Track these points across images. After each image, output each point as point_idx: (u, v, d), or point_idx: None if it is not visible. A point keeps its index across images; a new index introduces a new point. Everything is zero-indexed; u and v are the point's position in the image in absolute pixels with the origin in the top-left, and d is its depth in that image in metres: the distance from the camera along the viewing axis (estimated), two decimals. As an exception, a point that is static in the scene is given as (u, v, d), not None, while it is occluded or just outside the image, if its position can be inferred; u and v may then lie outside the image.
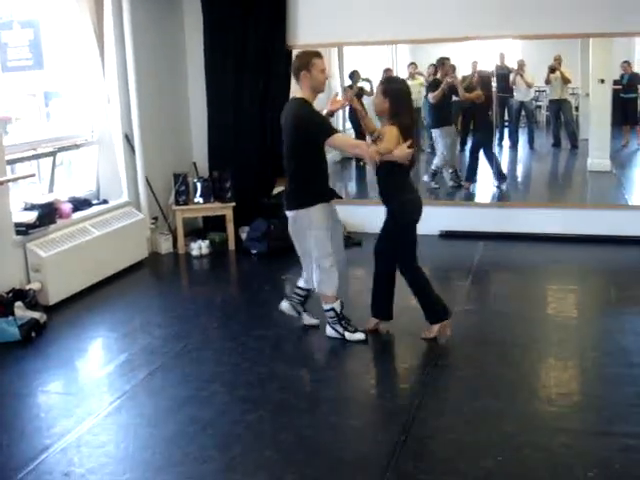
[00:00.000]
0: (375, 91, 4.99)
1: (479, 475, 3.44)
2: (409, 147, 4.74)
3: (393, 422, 3.99)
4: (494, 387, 4.37)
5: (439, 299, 5.09)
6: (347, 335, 5.08)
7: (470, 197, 9.39)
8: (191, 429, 3.94)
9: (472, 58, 10.69)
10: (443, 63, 9.45)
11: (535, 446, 3.68)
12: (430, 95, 9.38)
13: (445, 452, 3.67)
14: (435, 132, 9.79)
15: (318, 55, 4.86)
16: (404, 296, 5.27)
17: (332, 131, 4.80)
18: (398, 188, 4.96)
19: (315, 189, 4.97)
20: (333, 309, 5.09)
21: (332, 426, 3.98)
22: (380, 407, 4.32)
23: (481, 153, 9.49)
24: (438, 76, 9.55)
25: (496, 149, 10.82)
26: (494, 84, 9.50)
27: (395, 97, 4.79)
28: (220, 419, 4.04)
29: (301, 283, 5.31)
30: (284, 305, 5.36)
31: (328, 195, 5.09)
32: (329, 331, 5.14)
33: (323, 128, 4.76)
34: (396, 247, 5.05)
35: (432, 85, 9.50)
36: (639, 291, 6.17)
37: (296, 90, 4.96)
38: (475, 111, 9.52)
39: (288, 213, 5.02)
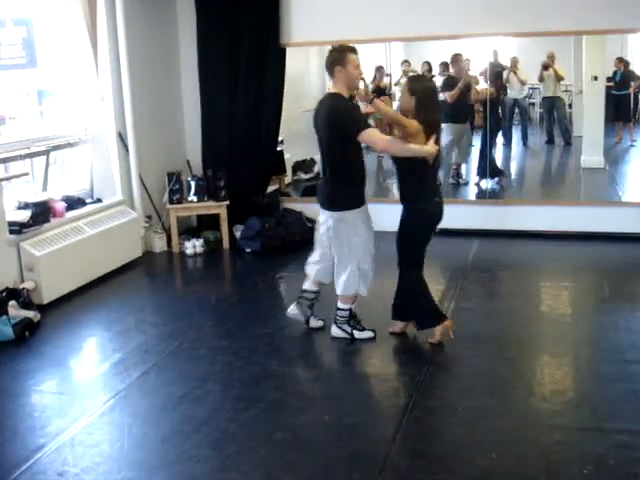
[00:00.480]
0: (401, 90, 4.91)
1: (475, 473, 3.44)
2: (435, 143, 4.62)
3: (388, 420, 4.00)
4: (489, 385, 4.37)
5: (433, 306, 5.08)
6: (356, 334, 5.07)
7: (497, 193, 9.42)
8: (186, 428, 3.93)
9: (465, 56, 10.71)
10: (457, 59, 9.32)
11: (530, 443, 3.69)
12: (446, 94, 9.10)
13: (441, 450, 3.67)
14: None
15: (353, 50, 4.76)
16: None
17: (365, 126, 4.64)
18: (418, 192, 4.85)
19: (360, 189, 4.90)
20: (350, 310, 5.07)
21: (327, 424, 3.98)
22: (375, 405, 4.32)
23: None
24: (451, 72, 9.47)
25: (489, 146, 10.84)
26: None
27: (421, 95, 4.69)
28: (215, 418, 4.04)
29: (308, 285, 5.25)
30: (293, 310, 5.27)
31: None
32: (335, 331, 5.11)
33: (355, 122, 4.61)
34: (407, 244, 4.97)
35: (446, 83, 9.32)
36: (633, 288, 6.20)
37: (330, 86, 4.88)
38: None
39: (332, 214, 4.87)
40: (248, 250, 7.44)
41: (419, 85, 4.83)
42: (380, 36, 7.76)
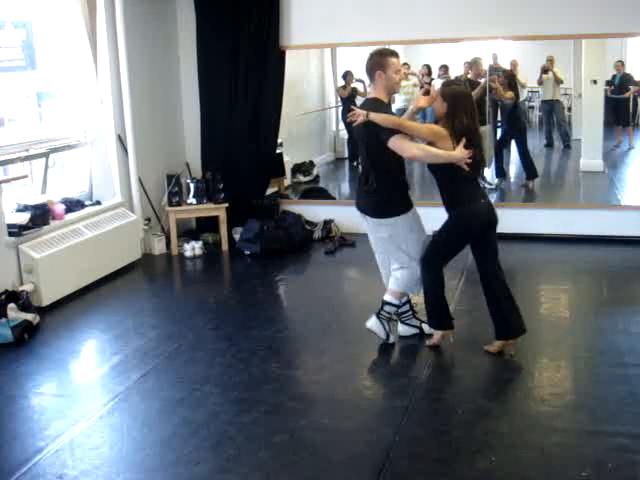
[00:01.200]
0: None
1: (474, 475, 3.45)
2: (465, 148, 4.55)
3: (387, 423, 4.00)
4: (488, 387, 4.38)
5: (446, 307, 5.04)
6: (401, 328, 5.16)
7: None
8: (185, 430, 3.93)
9: (465, 59, 10.72)
10: (476, 62, 9.39)
11: (529, 446, 3.69)
12: None
13: (440, 452, 3.67)
14: None
15: (394, 54, 4.69)
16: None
17: (393, 132, 4.51)
18: (457, 197, 4.79)
19: (404, 193, 4.88)
20: (397, 305, 5.03)
21: (326, 427, 3.97)
22: (374, 408, 4.32)
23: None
24: (470, 76, 9.52)
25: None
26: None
27: (452, 99, 4.63)
28: (214, 420, 4.04)
29: (387, 297, 5.04)
30: (371, 324, 5.04)
31: None
32: (374, 324, 4.99)
33: (384, 128, 4.51)
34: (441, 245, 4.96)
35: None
36: (632, 291, 6.20)
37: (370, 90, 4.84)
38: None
39: (386, 221, 4.83)
40: (247, 252, 7.44)
41: (450, 90, 4.76)
42: (379, 39, 7.74)
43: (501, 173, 9.75)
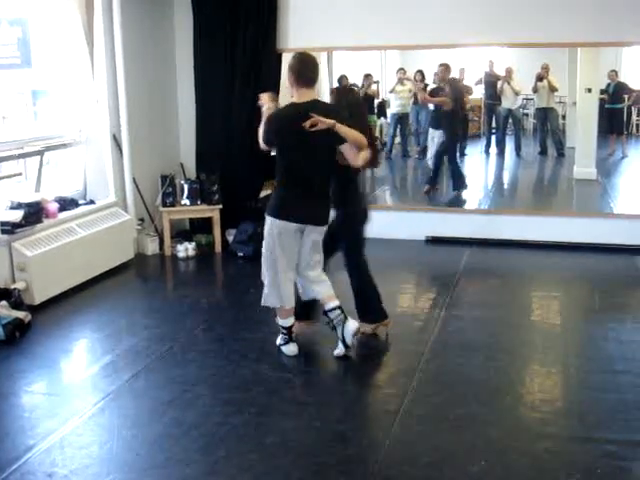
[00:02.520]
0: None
1: (463, 480, 3.46)
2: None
3: (378, 427, 4.01)
4: (479, 393, 4.38)
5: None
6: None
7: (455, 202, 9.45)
8: (175, 431, 3.93)
9: (462, 65, 10.75)
10: (440, 69, 9.66)
11: (519, 451, 3.70)
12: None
13: (430, 457, 3.67)
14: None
15: None
16: (388, 302, 5.29)
17: (344, 140, 4.62)
18: (347, 198, 5.07)
19: None
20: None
21: (317, 430, 3.97)
22: (365, 411, 4.33)
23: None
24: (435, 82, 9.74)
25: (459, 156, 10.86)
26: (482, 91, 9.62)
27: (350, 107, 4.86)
28: (204, 422, 4.03)
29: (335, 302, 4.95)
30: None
31: None
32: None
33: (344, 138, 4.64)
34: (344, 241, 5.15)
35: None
36: (623, 299, 6.22)
37: None
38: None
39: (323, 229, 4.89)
40: (240, 254, 7.44)
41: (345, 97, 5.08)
42: (375, 44, 7.79)
43: (432, 180, 9.75)
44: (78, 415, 4.12)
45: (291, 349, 4.99)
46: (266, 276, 4.95)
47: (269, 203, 4.87)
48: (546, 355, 5.01)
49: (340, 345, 4.86)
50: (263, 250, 4.92)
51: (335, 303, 4.85)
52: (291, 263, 4.87)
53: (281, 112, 4.72)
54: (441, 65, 9.47)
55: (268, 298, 4.95)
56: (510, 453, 3.68)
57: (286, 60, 7.79)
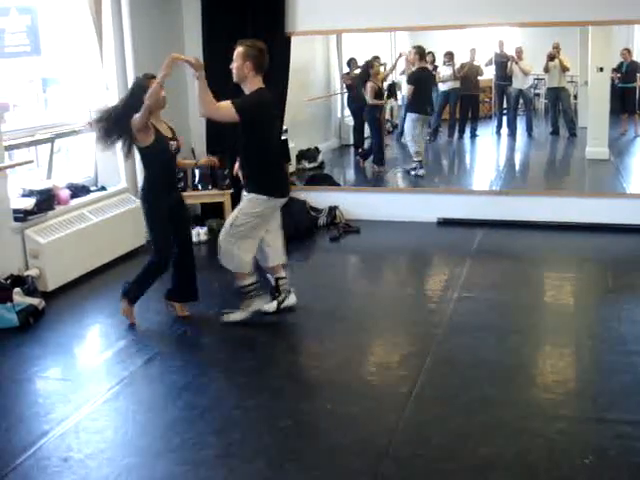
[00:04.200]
0: None
1: (477, 462, 3.46)
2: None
3: (391, 409, 4.01)
4: (491, 374, 4.38)
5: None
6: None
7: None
8: (189, 415, 3.95)
9: (471, 45, 10.71)
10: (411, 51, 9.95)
11: (532, 433, 3.70)
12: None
13: (443, 439, 3.68)
14: None
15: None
16: (400, 285, 5.29)
17: None
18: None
19: None
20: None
21: (330, 412, 3.99)
22: (377, 394, 4.33)
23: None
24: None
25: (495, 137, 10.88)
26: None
27: None
28: (218, 405, 4.06)
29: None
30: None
31: None
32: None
33: None
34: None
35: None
36: (636, 279, 6.19)
37: None
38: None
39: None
40: (252, 239, 7.43)
41: None
42: (385, 25, 7.75)
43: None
44: (92, 400, 4.15)
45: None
46: (231, 242, 5.08)
47: (257, 182, 5.09)
48: (559, 336, 5.01)
49: (274, 304, 5.29)
50: (236, 222, 5.06)
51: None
52: (262, 234, 5.17)
53: (264, 97, 5.09)
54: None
55: (230, 261, 5.16)
56: (523, 435, 3.68)
57: (295, 43, 7.85)
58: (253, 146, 5.03)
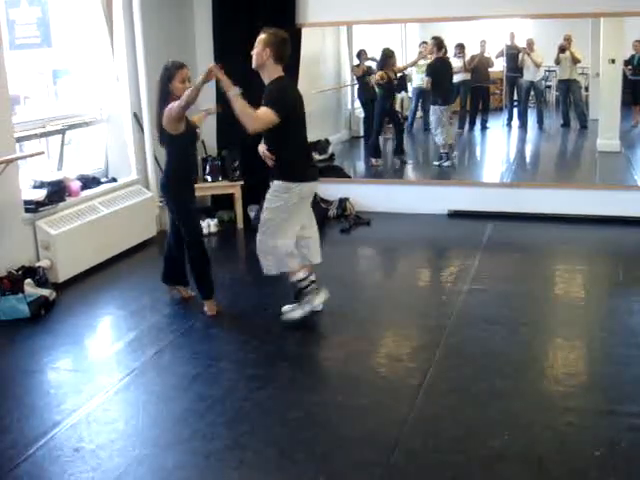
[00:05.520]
0: None
1: (487, 454, 3.46)
2: None
3: (401, 401, 4.01)
4: (502, 367, 4.38)
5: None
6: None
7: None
8: (200, 406, 3.96)
9: (482, 37, 10.67)
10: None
11: (543, 425, 3.69)
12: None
13: (453, 431, 3.68)
14: None
15: None
16: (410, 277, 5.28)
17: None
18: None
19: None
20: None
21: (341, 404, 4.00)
22: (388, 386, 4.33)
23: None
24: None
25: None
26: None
27: None
28: (229, 396, 4.07)
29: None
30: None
31: None
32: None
33: None
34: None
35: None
36: (647, 272, 6.18)
37: None
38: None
39: None
40: (263, 230, 7.44)
41: None
42: (395, 17, 7.72)
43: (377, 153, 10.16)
44: (104, 391, 4.17)
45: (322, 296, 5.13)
46: (272, 245, 5.03)
47: (284, 171, 4.96)
48: (570, 328, 5.00)
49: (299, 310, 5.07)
50: (269, 217, 5.00)
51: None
52: (297, 227, 5.09)
53: (289, 87, 5.09)
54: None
55: (279, 266, 5.08)
56: (533, 427, 3.68)
57: (305, 35, 7.84)
58: (287, 135, 4.92)
